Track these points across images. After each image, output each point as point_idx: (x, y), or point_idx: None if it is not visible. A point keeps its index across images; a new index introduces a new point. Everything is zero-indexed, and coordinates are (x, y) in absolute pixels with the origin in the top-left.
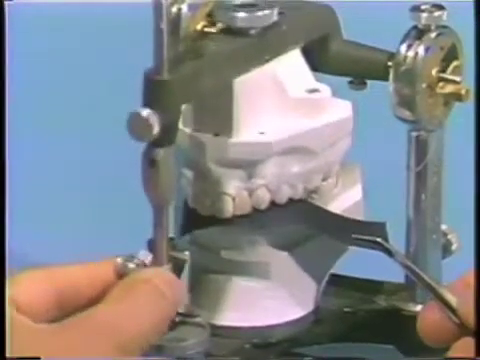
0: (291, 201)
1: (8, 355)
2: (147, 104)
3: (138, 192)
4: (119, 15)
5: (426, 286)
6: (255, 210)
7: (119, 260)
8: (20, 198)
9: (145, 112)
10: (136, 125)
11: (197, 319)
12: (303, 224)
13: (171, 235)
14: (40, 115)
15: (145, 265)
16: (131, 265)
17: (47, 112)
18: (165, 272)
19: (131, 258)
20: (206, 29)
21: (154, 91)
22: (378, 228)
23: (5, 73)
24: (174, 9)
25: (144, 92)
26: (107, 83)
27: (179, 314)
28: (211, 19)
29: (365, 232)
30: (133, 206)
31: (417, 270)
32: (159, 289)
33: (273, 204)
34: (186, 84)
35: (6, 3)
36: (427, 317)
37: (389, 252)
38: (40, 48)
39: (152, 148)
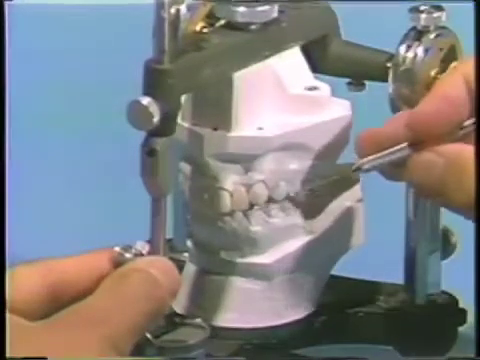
0: None
1: (8, 355)
2: (147, 93)
3: (139, 192)
4: (119, 15)
5: None
6: None
7: (116, 250)
8: (19, 197)
9: (145, 100)
10: (136, 113)
11: (197, 320)
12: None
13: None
14: (40, 115)
15: (142, 255)
16: (128, 255)
17: (47, 112)
18: (161, 259)
19: (128, 248)
20: (205, 30)
21: (155, 80)
22: None
23: (5, 73)
24: (173, 10)
25: (145, 81)
26: (107, 83)
27: (179, 315)
28: (209, 21)
29: None
30: (133, 205)
31: None
32: (153, 277)
33: None
34: (186, 74)
35: (6, 3)
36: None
37: None
38: (40, 48)
39: (151, 138)
